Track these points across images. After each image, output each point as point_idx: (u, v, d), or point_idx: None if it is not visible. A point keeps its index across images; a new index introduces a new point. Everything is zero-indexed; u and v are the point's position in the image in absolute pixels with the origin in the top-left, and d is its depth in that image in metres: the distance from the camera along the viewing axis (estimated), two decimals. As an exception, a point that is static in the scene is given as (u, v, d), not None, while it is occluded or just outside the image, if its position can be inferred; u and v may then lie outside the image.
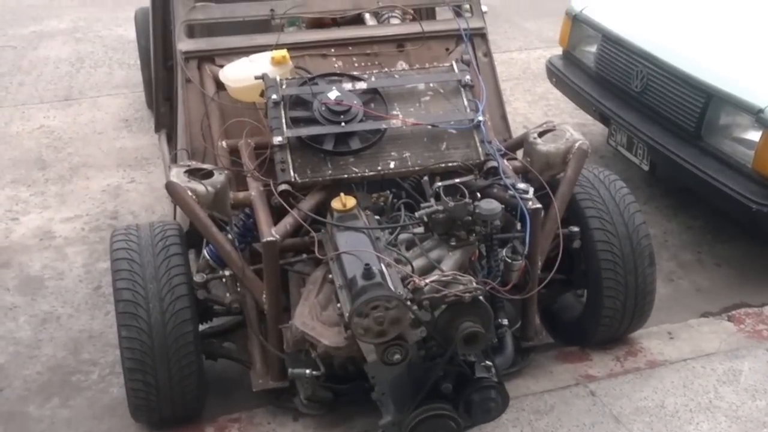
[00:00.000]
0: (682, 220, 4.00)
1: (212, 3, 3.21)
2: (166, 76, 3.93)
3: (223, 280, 2.57)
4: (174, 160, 2.95)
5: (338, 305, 2.18)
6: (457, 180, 2.42)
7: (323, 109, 2.60)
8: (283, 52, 2.80)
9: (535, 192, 2.55)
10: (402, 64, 3.03)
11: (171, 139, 3.91)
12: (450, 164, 2.61)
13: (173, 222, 2.73)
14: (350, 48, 3.10)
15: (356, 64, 3.06)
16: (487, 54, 3.23)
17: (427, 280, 2.16)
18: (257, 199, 2.54)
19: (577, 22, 4.38)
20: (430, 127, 2.65)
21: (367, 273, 2.09)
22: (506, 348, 2.57)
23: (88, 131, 4.90)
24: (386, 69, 2.86)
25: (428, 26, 3.20)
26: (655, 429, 2.58)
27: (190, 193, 2.45)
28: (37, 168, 4.47)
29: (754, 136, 3.29)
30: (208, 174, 2.54)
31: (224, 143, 2.81)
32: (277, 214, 2.49)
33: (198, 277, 2.54)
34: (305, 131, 2.57)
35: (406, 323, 2.09)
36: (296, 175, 2.53)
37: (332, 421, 2.57)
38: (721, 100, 3.42)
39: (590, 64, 4.27)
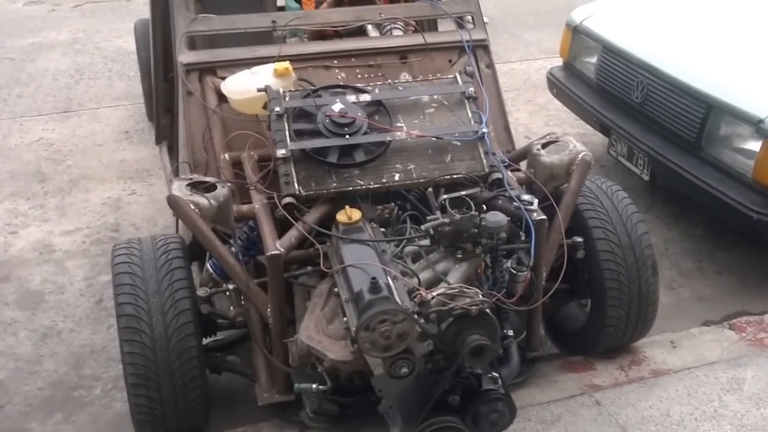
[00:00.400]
0: (683, 229, 4.01)
1: (213, 15, 3.20)
2: (166, 88, 3.91)
3: (227, 293, 2.56)
4: (176, 173, 2.93)
5: (344, 319, 2.17)
6: (463, 192, 2.42)
7: (327, 121, 2.58)
8: (286, 64, 2.79)
9: (539, 203, 2.55)
10: (405, 76, 3.03)
11: (172, 151, 3.90)
12: (455, 176, 2.61)
13: (176, 235, 2.72)
14: (353, 60, 3.09)
15: (359, 76, 3.05)
16: (490, 65, 3.24)
17: (434, 293, 2.16)
18: (261, 212, 2.52)
19: (577, 34, 4.39)
20: (434, 139, 2.65)
21: (374, 287, 2.07)
22: (512, 359, 2.57)
23: (87, 143, 4.88)
24: (390, 81, 2.85)
25: (431, 38, 3.20)
26: (662, 439, 2.58)
27: (192, 207, 2.43)
28: (36, 181, 4.44)
29: (754, 146, 3.30)
30: (211, 187, 2.53)
31: (227, 156, 2.80)
32: (282, 227, 2.48)
33: (201, 291, 2.52)
34: (309, 144, 2.56)
35: (413, 337, 2.08)
36: (300, 187, 2.52)
37: (338, 434, 2.56)
38: (721, 111, 3.43)
39: (591, 75, 4.28)
